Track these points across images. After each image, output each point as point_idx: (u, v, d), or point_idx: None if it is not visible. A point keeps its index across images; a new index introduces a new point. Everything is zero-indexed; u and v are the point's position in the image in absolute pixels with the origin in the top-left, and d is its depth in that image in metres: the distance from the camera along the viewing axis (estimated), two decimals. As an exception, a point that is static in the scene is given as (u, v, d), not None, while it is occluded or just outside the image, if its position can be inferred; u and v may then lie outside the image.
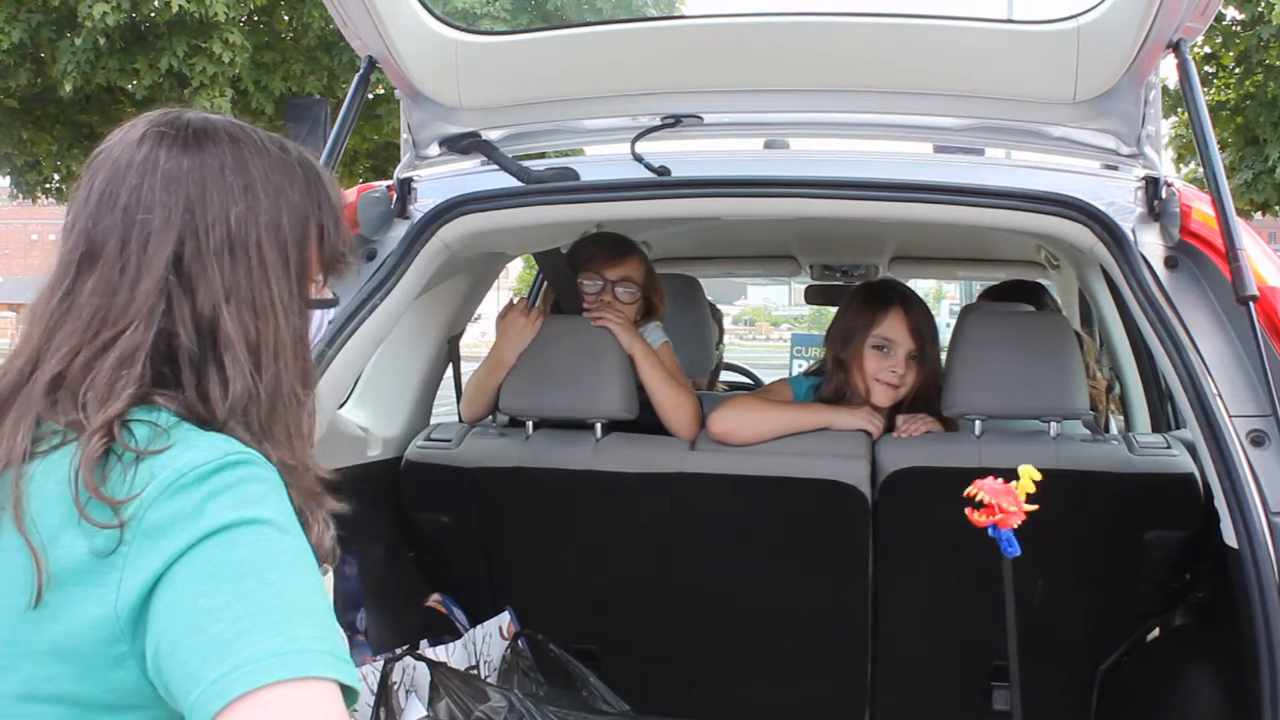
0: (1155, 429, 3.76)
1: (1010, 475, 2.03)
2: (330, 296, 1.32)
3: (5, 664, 1.08)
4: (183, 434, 1.11)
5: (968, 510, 2.00)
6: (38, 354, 1.16)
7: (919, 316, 2.88)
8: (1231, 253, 2.00)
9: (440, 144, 2.58)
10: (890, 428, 2.80)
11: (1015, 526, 1.97)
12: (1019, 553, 2.00)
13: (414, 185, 2.56)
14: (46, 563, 1.06)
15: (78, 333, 1.14)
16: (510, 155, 2.53)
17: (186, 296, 1.15)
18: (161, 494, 1.06)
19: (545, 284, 3.34)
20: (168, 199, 1.16)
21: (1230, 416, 2.00)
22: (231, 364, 1.15)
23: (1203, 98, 2.14)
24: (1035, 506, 1.97)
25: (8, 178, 14.87)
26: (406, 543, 3.00)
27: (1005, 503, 1.96)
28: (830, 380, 2.93)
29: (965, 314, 2.86)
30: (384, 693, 2.38)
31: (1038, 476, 1.97)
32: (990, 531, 2.00)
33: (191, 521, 1.05)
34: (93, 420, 1.10)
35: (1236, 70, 14.75)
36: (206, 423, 1.14)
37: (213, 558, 1.04)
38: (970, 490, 1.99)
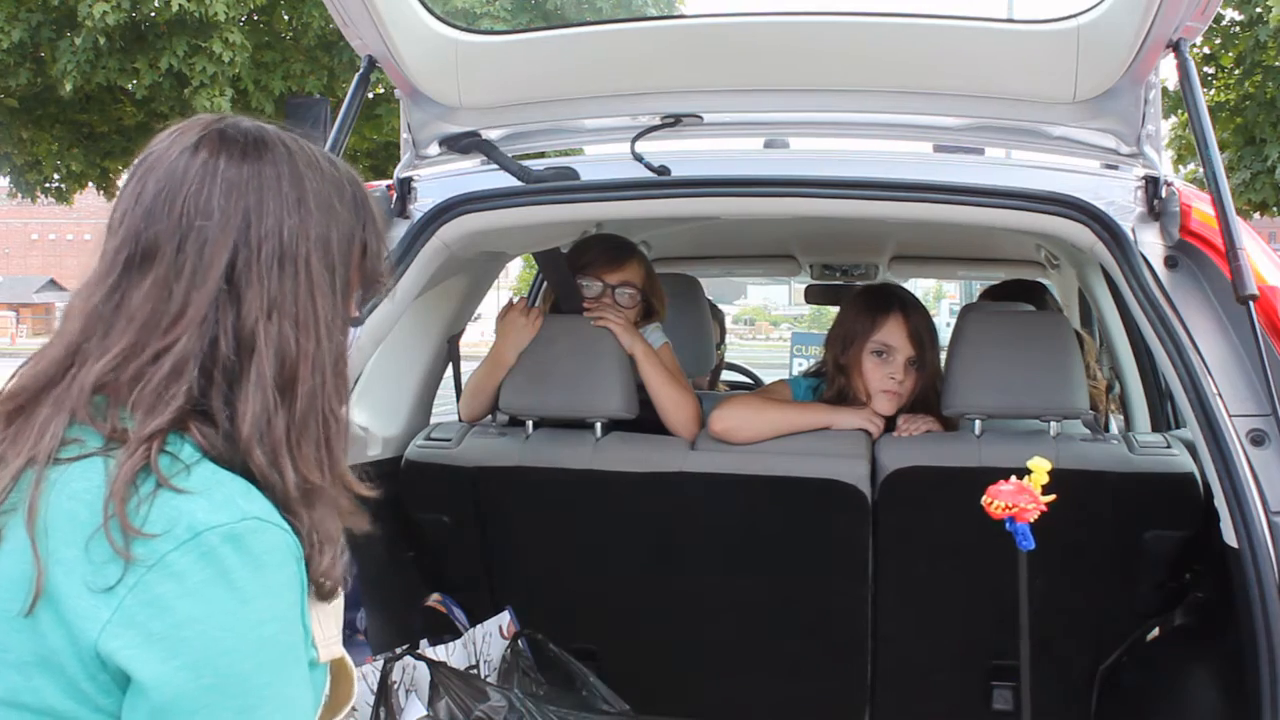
0: (1155, 429, 3.77)
1: (1010, 475, 2.05)
2: (357, 314, 1.31)
3: None
4: (203, 477, 1.10)
5: (985, 504, 2.01)
6: (76, 351, 1.15)
7: (918, 321, 2.88)
8: (1231, 252, 2.00)
9: (440, 143, 2.58)
10: (890, 427, 2.81)
11: (1033, 520, 1.99)
12: (1033, 546, 2.01)
13: (414, 185, 2.56)
14: (47, 575, 1.06)
15: (129, 335, 1.13)
16: (510, 155, 2.54)
17: (232, 306, 1.14)
18: (175, 550, 1.06)
19: (545, 284, 3.34)
20: (227, 206, 1.15)
21: (1230, 416, 2.00)
22: (256, 378, 1.14)
23: (1202, 97, 2.14)
24: (1052, 496, 1.98)
25: (8, 177, 14.86)
26: (406, 542, 3.00)
27: (1023, 501, 1.99)
28: (831, 384, 2.93)
29: (965, 314, 2.86)
30: (384, 692, 2.38)
31: (1049, 466, 2.00)
32: (1007, 524, 2.01)
33: (193, 604, 1.05)
34: (138, 430, 1.10)
35: (1235, 71, 14.75)
36: (233, 445, 1.13)
37: (210, 663, 1.06)
38: (985, 500, 2.01)
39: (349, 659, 1.27)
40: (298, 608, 1.13)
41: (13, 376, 1.19)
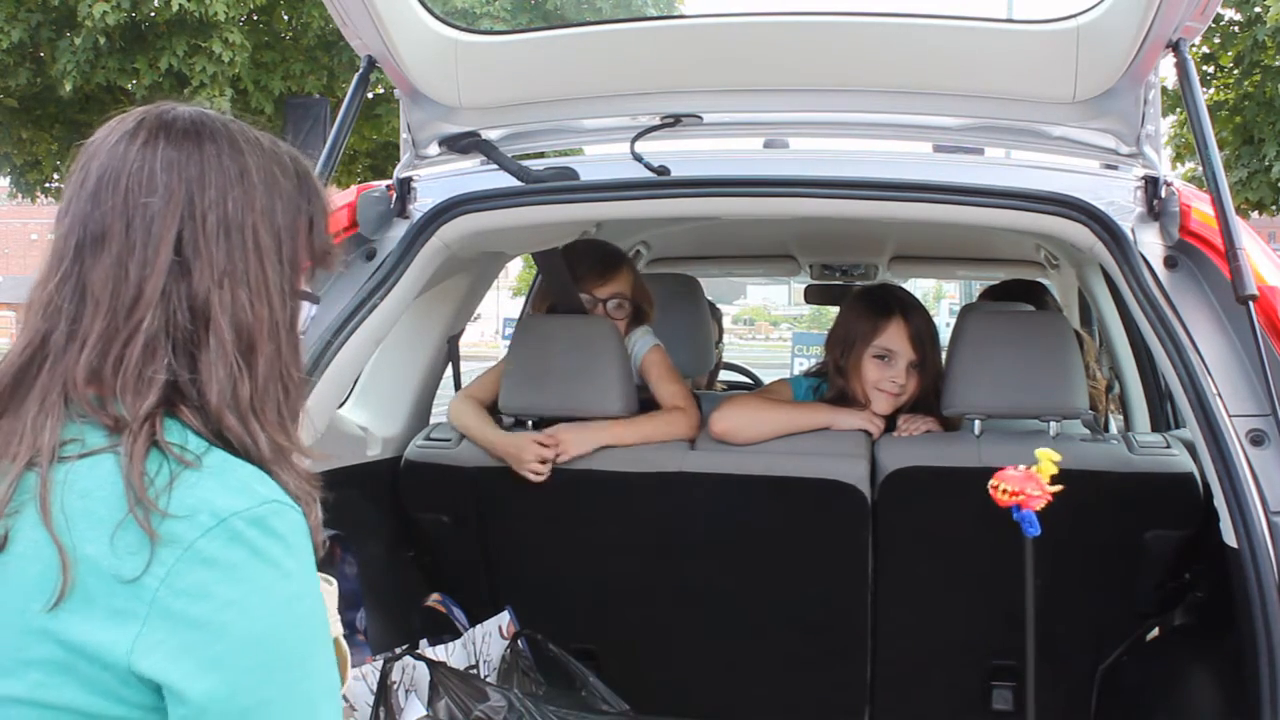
0: (1155, 429, 3.77)
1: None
2: (313, 293, 1.32)
3: (11, 668, 1.07)
4: (214, 465, 1.11)
5: (991, 489, 2.03)
6: (45, 341, 1.15)
7: (919, 324, 2.87)
8: (1231, 252, 2.00)
9: (440, 143, 2.58)
10: (890, 427, 2.80)
11: (1039, 508, 2.01)
12: (1039, 533, 2.03)
13: (413, 185, 2.56)
14: (74, 570, 1.05)
15: (100, 320, 1.14)
16: (510, 155, 2.54)
17: (184, 279, 1.16)
18: (202, 537, 1.06)
19: (540, 284, 3.34)
20: (170, 181, 1.17)
21: (1230, 416, 2.00)
22: (219, 345, 1.15)
23: (1202, 97, 2.14)
24: (1059, 487, 2.01)
25: (8, 177, 14.86)
26: (406, 542, 3.00)
27: (1029, 489, 2.01)
28: (832, 385, 2.93)
29: (965, 314, 2.86)
30: (383, 692, 2.38)
31: (1057, 458, 2.02)
32: (1014, 513, 2.03)
33: (230, 587, 1.06)
34: (131, 414, 1.11)
35: (1234, 71, 14.75)
36: (204, 415, 1.14)
37: (255, 642, 1.07)
38: (992, 484, 2.04)
39: (342, 639, 1.28)
40: (318, 583, 1.15)
41: None
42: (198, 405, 1.14)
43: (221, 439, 1.14)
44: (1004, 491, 2.02)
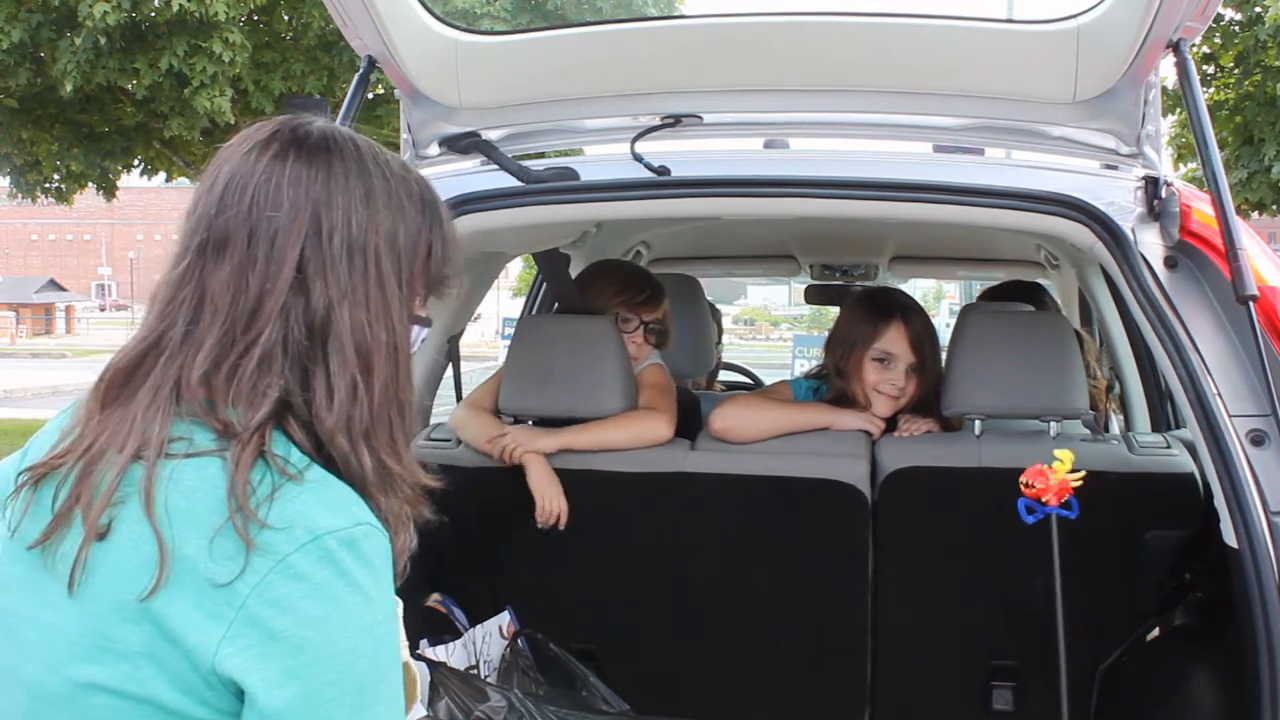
0: (1155, 429, 3.77)
1: (1014, 475, 2.24)
2: (426, 316, 1.33)
3: (100, 656, 1.09)
4: (315, 482, 1.13)
5: (1025, 483, 2.28)
6: (160, 337, 1.17)
7: (919, 328, 2.87)
8: (1231, 252, 2.00)
9: (440, 144, 2.58)
10: (891, 428, 2.81)
11: (1059, 501, 2.25)
12: (1030, 520, 2.27)
13: (414, 185, 2.56)
14: (171, 566, 1.07)
15: (217, 326, 1.15)
16: (510, 155, 2.54)
17: (302, 295, 1.17)
18: (295, 552, 1.08)
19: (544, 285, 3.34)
20: (296, 197, 1.18)
21: (1230, 416, 2.01)
22: (339, 366, 1.17)
23: (1202, 97, 2.14)
24: (1079, 476, 2.24)
25: (8, 177, 14.84)
26: (406, 542, 3.00)
27: (1038, 482, 2.23)
28: (831, 387, 2.93)
29: (965, 314, 2.86)
30: (384, 692, 2.38)
31: (1071, 456, 2.25)
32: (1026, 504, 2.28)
33: (315, 604, 1.08)
34: (244, 422, 1.12)
35: (1235, 71, 14.74)
36: (312, 433, 1.15)
37: (332, 660, 1.08)
38: (1022, 477, 2.29)
39: (413, 663, 1.30)
40: (396, 610, 1.18)
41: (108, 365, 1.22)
42: (305, 420, 1.15)
43: (322, 455, 1.16)
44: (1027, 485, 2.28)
